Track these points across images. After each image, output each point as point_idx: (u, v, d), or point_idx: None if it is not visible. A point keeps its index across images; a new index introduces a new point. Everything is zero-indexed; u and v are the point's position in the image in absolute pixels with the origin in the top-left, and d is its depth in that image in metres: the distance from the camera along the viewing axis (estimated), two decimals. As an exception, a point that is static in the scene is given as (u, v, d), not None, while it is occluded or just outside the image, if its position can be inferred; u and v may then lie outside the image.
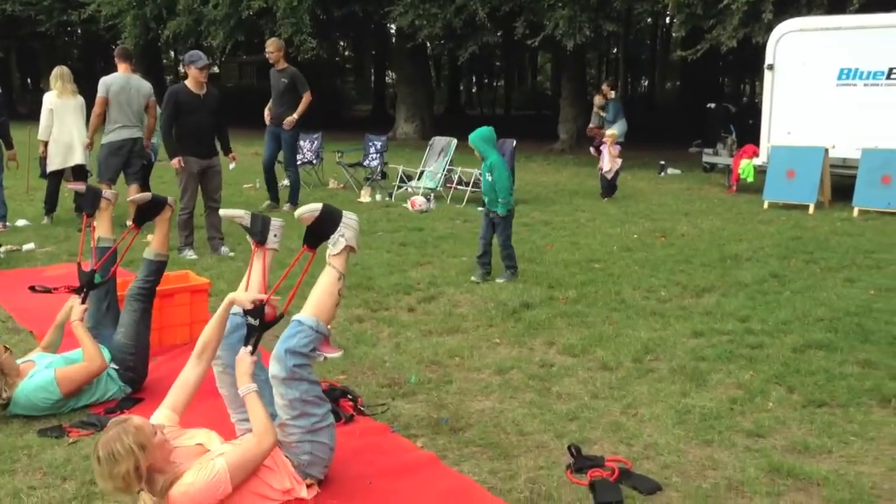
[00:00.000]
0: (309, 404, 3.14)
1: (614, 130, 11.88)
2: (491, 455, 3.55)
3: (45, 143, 8.96)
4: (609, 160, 11.19)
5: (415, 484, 3.29)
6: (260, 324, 3.25)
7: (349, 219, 3.39)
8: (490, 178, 6.70)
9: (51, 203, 9.28)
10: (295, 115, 9.75)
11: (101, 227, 4.77)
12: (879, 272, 6.80)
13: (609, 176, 11.27)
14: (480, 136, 6.75)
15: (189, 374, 3.23)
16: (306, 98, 9.85)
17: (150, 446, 2.77)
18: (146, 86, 8.69)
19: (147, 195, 4.70)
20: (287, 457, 3.13)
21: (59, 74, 8.98)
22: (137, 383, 4.32)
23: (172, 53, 47.10)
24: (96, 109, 8.37)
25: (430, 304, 6.00)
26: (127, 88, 8.42)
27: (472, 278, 6.60)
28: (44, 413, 3.94)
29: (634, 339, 5.10)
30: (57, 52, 32.86)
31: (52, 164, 8.98)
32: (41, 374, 3.95)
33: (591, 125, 15.17)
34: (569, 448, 3.50)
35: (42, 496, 3.19)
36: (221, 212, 3.75)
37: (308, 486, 3.17)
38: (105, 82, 8.40)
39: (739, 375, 4.45)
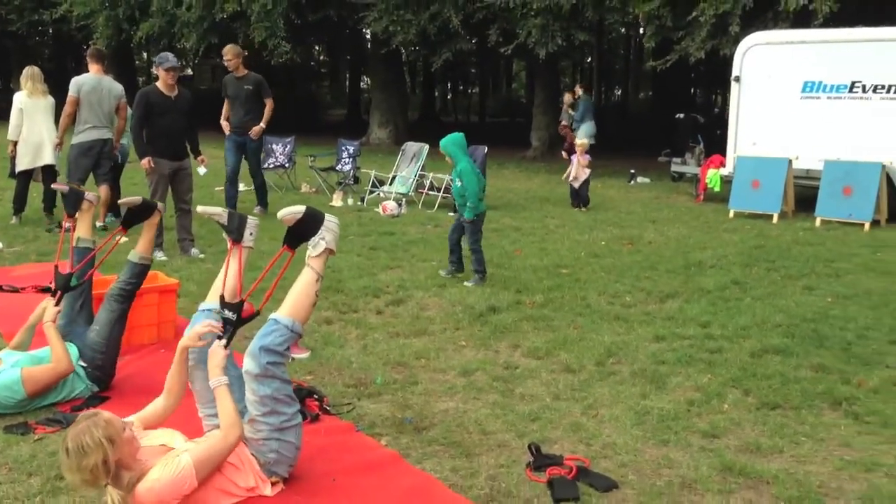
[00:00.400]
0: (279, 402, 3.19)
1: (584, 140, 11.96)
2: (453, 454, 3.63)
3: (15, 143, 8.91)
4: (577, 168, 11.28)
5: (378, 481, 3.35)
6: (237, 319, 3.31)
7: (330, 222, 3.45)
8: (460, 184, 6.79)
9: (19, 203, 9.23)
10: (262, 124, 9.52)
11: (82, 229, 4.79)
12: (837, 280, 6.98)
13: (576, 185, 11.31)
14: (452, 141, 6.87)
15: (160, 403, 3.33)
16: (270, 104, 9.60)
17: (118, 441, 2.81)
18: (117, 87, 8.68)
19: (137, 199, 4.71)
20: (253, 455, 3.19)
21: (30, 74, 8.94)
22: (104, 382, 4.33)
23: (145, 55, 46.77)
24: (67, 109, 8.35)
25: (398, 307, 6.07)
26: (98, 89, 8.41)
27: (441, 272, 6.71)
28: (8, 411, 3.95)
29: (598, 342, 5.20)
30: (28, 51, 32.50)
31: (21, 164, 8.93)
32: (7, 373, 3.95)
33: (562, 122, 15.64)
34: (529, 447, 3.58)
35: (7, 491, 3.21)
36: (199, 208, 3.79)
37: (273, 484, 3.23)
38: (77, 82, 8.39)
39: (698, 379, 4.57)
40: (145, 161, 7.42)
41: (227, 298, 3.41)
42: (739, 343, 5.20)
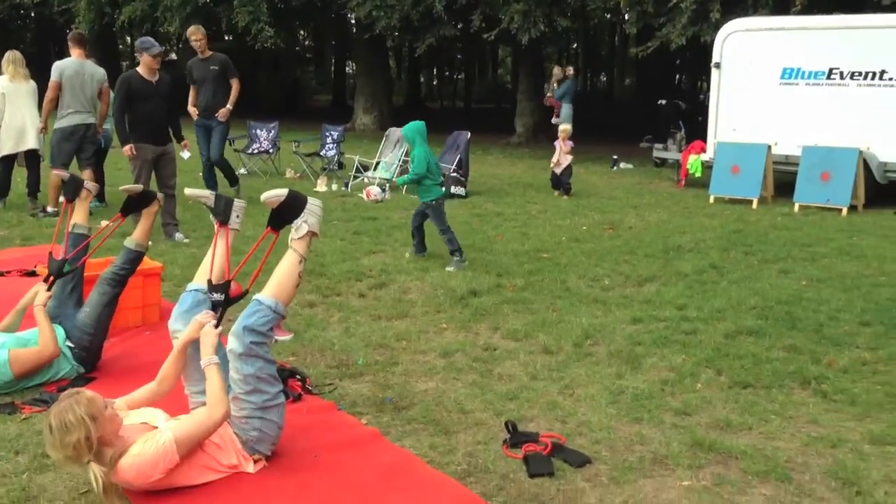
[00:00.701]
0: (263, 381, 3.26)
1: (568, 126, 11.97)
2: (432, 431, 3.72)
3: None
4: (559, 154, 11.33)
5: (358, 458, 3.44)
6: (225, 299, 3.41)
7: (313, 205, 3.51)
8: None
9: (3, 188, 9.22)
10: (229, 105, 9.25)
11: (78, 215, 4.85)
12: (813, 264, 7.11)
13: (558, 171, 11.36)
14: (416, 129, 7.12)
15: (150, 388, 3.39)
16: (236, 85, 9.35)
17: (100, 418, 2.89)
18: (100, 72, 8.68)
19: (139, 186, 4.76)
20: (236, 433, 3.26)
21: (12, 59, 8.92)
22: (90, 363, 4.39)
23: (128, 39, 46.38)
24: (49, 94, 8.36)
25: (380, 290, 6.15)
26: (81, 73, 8.41)
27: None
28: None
29: (576, 324, 5.30)
30: (9, 36, 32.23)
31: (4, 149, 8.92)
32: (-6, 355, 4.01)
33: (547, 94, 16.24)
34: (505, 424, 3.68)
35: (-6, 468, 3.29)
36: (187, 191, 3.84)
37: (255, 462, 3.31)
38: (59, 67, 8.39)
39: (672, 359, 4.68)
40: (127, 148, 7.44)
41: (214, 280, 3.48)
42: (714, 325, 5.32)
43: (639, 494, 3.18)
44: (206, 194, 3.79)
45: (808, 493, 3.19)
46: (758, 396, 4.17)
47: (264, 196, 3.46)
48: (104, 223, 5.01)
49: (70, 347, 4.27)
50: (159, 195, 4.85)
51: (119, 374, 4.37)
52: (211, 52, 9.39)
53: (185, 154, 8.29)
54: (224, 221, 3.72)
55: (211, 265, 3.58)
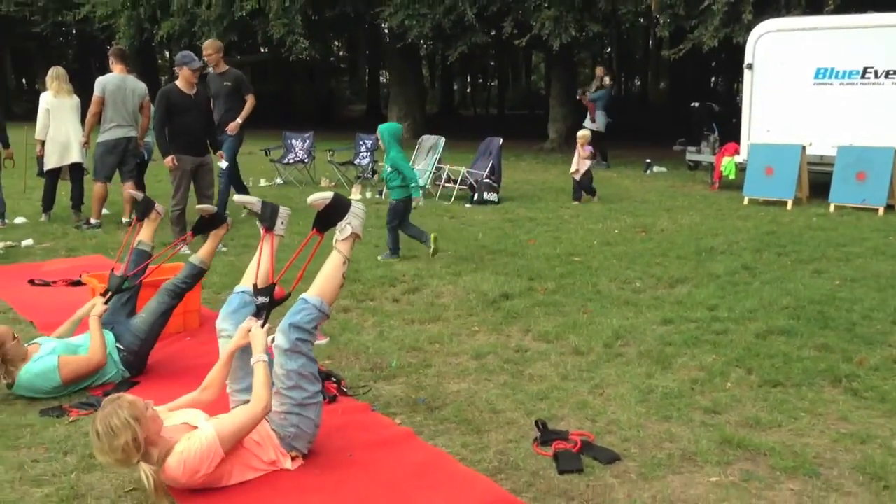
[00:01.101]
0: (304, 378, 3.39)
1: (586, 131, 11.81)
2: (464, 430, 3.81)
3: (42, 143, 9.19)
4: (577, 161, 11.19)
5: (392, 456, 3.54)
6: (269, 302, 3.58)
7: (357, 208, 3.67)
8: (390, 170, 7.50)
9: (48, 201, 9.51)
10: (239, 119, 8.96)
11: (145, 234, 5.10)
12: (847, 264, 7.08)
13: (577, 177, 11.19)
14: (390, 131, 7.50)
15: (193, 396, 3.53)
16: (251, 101, 9.11)
17: (143, 419, 3.02)
18: (141, 86, 8.94)
19: (213, 208, 4.95)
20: (273, 430, 3.38)
21: (56, 75, 9.21)
22: (136, 368, 4.54)
23: (167, 54, 47.26)
24: (92, 109, 8.63)
25: (413, 295, 6.25)
26: (123, 88, 8.67)
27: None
28: (42, 396, 4.17)
29: (607, 326, 5.35)
30: (52, 52, 33.08)
31: (49, 163, 9.21)
32: (45, 360, 4.18)
33: (581, 92, 16.00)
34: (536, 423, 3.76)
35: (45, 468, 3.44)
36: (235, 197, 4.05)
37: (293, 459, 3.42)
38: (101, 82, 8.65)
39: (703, 359, 4.71)
40: (169, 159, 7.64)
41: (259, 284, 3.67)
42: (745, 325, 5.33)
43: (667, 490, 3.23)
44: (254, 201, 4.00)
45: (836, 488, 3.22)
46: (787, 395, 4.19)
47: (311, 198, 3.64)
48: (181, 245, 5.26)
49: (119, 349, 4.43)
50: (229, 220, 5.05)
51: (161, 379, 4.52)
52: (227, 67, 9.31)
53: (223, 164, 8.48)
54: (270, 227, 3.92)
55: (257, 269, 3.76)
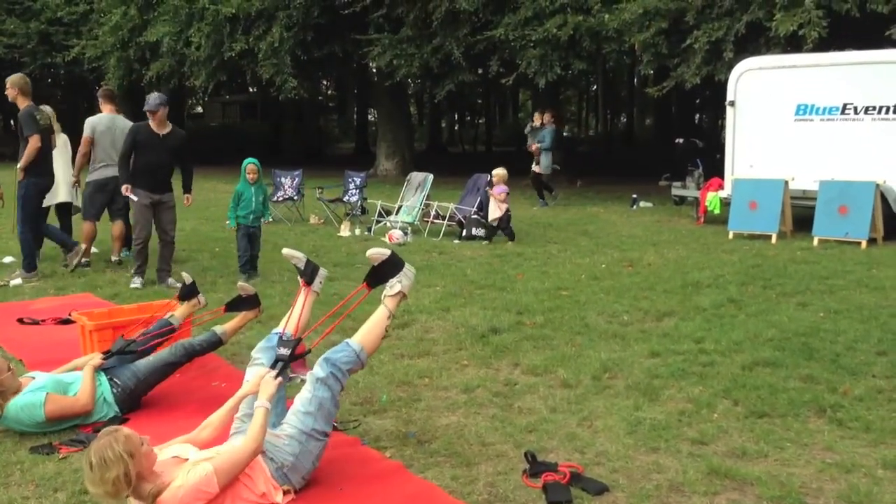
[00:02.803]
0: (322, 411, 3.52)
1: (501, 170, 11.38)
2: (454, 463, 3.83)
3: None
4: (494, 206, 10.95)
5: (382, 489, 3.56)
6: (290, 355, 3.75)
7: (409, 269, 3.92)
8: (262, 199, 8.26)
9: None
10: (20, 164, 8.07)
11: (179, 312, 5.22)
12: (831, 296, 7.17)
13: (495, 224, 10.90)
14: (243, 166, 8.30)
15: (190, 437, 3.57)
16: (32, 142, 8.02)
17: (137, 454, 3.04)
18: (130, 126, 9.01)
19: (252, 289, 5.09)
20: (269, 458, 3.41)
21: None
22: (126, 407, 4.53)
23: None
24: (82, 149, 8.69)
25: (403, 329, 6.29)
26: (112, 128, 8.74)
27: (240, 283, 6.62)
28: (28, 430, 4.18)
29: (595, 359, 5.40)
30: (40, 93, 33.14)
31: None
32: (33, 394, 4.18)
33: (530, 142, 15.68)
34: (525, 455, 3.79)
35: (35, 505, 3.44)
36: (284, 251, 4.41)
37: (284, 493, 3.44)
38: (91, 122, 8.73)
39: (690, 391, 4.76)
40: (125, 188, 7.81)
41: (290, 333, 3.94)
42: (731, 357, 5.39)
43: (655, 520, 3.26)
44: (300, 256, 4.31)
45: (822, 517, 3.26)
46: (773, 425, 4.23)
47: (370, 252, 3.95)
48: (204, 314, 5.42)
49: (115, 384, 4.43)
50: (261, 307, 5.16)
51: (151, 416, 4.51)
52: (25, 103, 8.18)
53: (186, 203, 8.50)
54: (308, 282, 4.27)
55: (289, 317, 4.08)
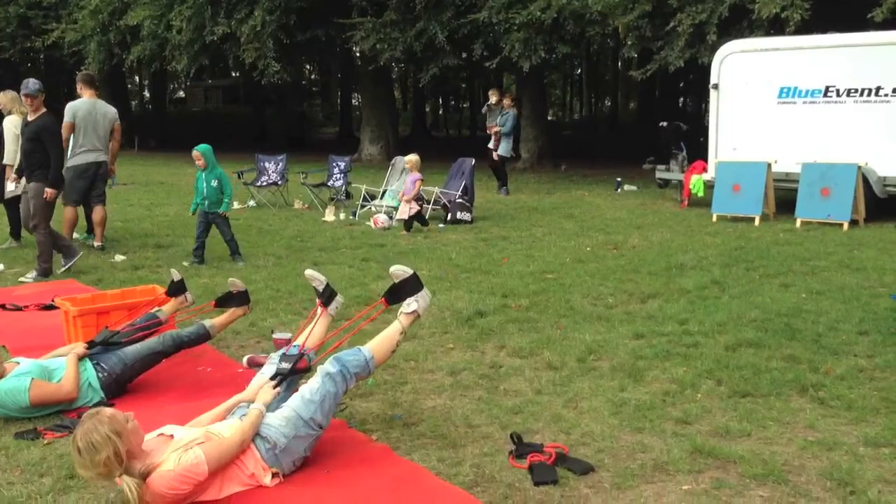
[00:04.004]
0: (323, 405, 3.58)
1: (413, 157, 10.96)
2: (440, 445, 3.85)
3: (11, 167, 9.09)
4: (404, 208, 10.56)
5: (369, 471, 3.57)
6: (290, 370, 3.82)
7: (427, 292, 4.04)
8: (216, 185, 8.13)
9: (16, 227, 9.40)
10: None
11: (167, 307, 5.22)
12: (813, 277, 7.23)
13: (406, 215, 10.47)
14: (210, 150, 8.22)
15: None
16: None
17: (124, 432, 3.05)
18: (112, 110, 8.93)
19: (243, 286, 5.14)
20: (264, 437, 3.42)
21: (16, 97, 9.11)
22: (111, 393, 4.51)
23: (137, 79, 47.17)
24: (63, 134, 8.58)
25: (389, 314, 6.25)
26: (93, 113, 8.66)
27: (184, 263, 6.50)
28: (13, 414, 4.16)
29: (580, 341, 5.43)
30: (19, 78, 32.76)
31: (19, 189, 9.09)
32: (18, 378, 4.16)
33: (490, 123, 14.74)
34: (511, 436, 3.81)
35: (21, 490, 3.42)
36: (307, 272, 4.51)
37: (273, 475, 3.44)
38: (72, 108, 8.63)
39: (674, 371, 4.79)
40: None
41: (310, 347, 4.12)
42: (715, 338, 5.43)
43: (640, 499, 3.29)
44: (321, 279, 4.45)
45: (804, 494, 3.30)
46: (756, 404, 4.28)
47: (393, 268, 4.06)
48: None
49: (102, 368, 4.42)
50: (250, 305, 5.22)
51: (138, 401, 4.50)
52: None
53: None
54: (325, 304, 4.42)
55: (301, 330, 4.35)
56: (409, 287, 3.98)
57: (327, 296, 4.42)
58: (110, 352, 4.55)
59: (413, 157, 10.93)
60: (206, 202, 8.24)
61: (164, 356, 4.70)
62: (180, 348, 4.77)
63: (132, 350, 4.58)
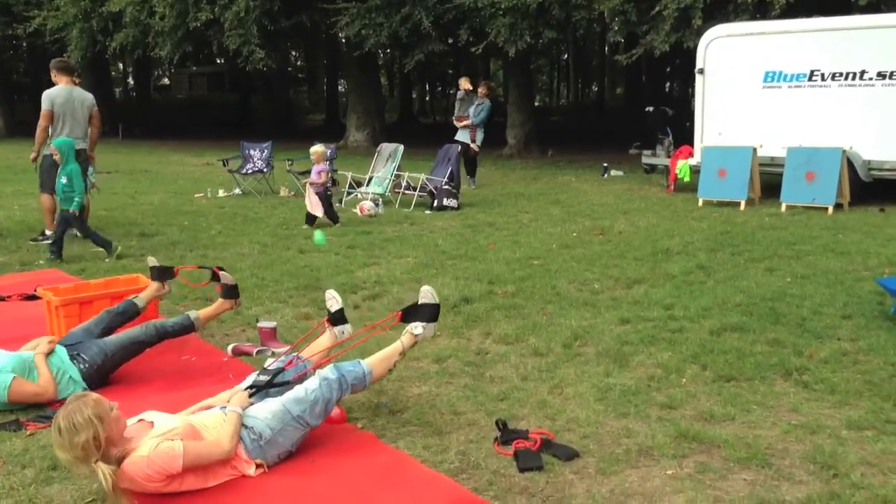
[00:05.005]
0: (315, 407, 3.59)
1: (319, 147, 10.55)
2: (425, 433, 3.84)
3: None
4: (310, 192, 9.91)
5: (354, 460, 3.56)
6: (266, 384, 3.78)
7: (434, 325, 4.12)
8: (65, 181, 7.73)
9: None
10: None
11: (144, 293, 5.13)
12: (798, 262, 7.26)
13: (315, 209, 9.87)
14: (68, 144, 7.85)
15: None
16: None
17: (107, 418, 3.04)
18: (89, 97, 8.81)
19: (233, 280, 5.10)
20: (250, 427, 3.42)
21: None
22: (94, 383, 4.48)
23: (120, 65, 46.74)
24: (42, 123, 8.48)
25: (374, 301, 6.28)
26: (71, 101, 8.54)
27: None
28: None
29: (566, 327, 5.43)
30: (2, 66, 32.46)
31: None
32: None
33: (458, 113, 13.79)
34: (496, 423, 3.81)
35: (3, 481, 3.39)
36: (328, 292, 4.54)
37: (257, 466, 3.43)
38: (49, 95, 8.51)
39: (659, 357, 4.80)
40: None
41: (305, 354, 4.19)
42: (700, 323, 5.45)
43: (625, 484, 3.30)
44: (337, 301, 4.45)
45: (788, 477, 3.31)
46: (741, 388, 4.29)
47: (425, 288, 4.17)
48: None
49: (83, 360, 4.37)
50: (240, 300, 5.18)
51: (120, 391, 4.46)
52: None
53: None
54: (332, 324, 4.42)
55: (296, 343, 4.49)
56: (426, 313, 4.07)
57: (335, 320, 4.43)
58: (91, 341, 4.51)
59: (318, 148, 10.37)
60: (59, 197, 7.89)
61: (146, 346, 4.66)
62: (163, 338, 4.72)
63: (113, 340, 4.54)
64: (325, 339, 4.39)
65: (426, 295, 4.11)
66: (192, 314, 4.83)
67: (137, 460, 3.07)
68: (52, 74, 8.74)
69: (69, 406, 3.02)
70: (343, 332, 4.43)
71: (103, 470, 3.00)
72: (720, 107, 11.59)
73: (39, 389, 4.21)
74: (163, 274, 5.23)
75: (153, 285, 5.19)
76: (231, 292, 5.05)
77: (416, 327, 4.04)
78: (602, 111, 38.94)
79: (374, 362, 3.89)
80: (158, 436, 3.18)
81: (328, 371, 3.71)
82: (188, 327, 4.80)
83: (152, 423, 3.28)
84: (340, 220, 9.90)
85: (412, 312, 4.10)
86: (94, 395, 3.12)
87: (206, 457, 3.23)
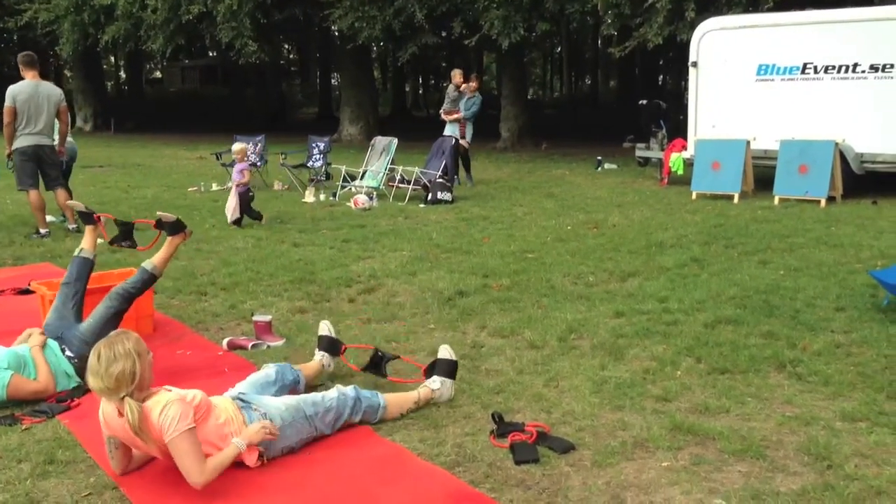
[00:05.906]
0: (328, 414, 3.70)
1: (242, 144, 10.24)
2: (421, 426, 3.85)
3: None
4: (229, 204, 9.41)
5: (351, 453, 3.57)
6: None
7: (453, 387, 4.18)
8: None
9: None
10: None
11: (85, 242, 5.02)
12: (791, 254, 7.29)
13: (234, 215, 9.35)
14: None
15: None
16: None
17: (144, 358, 3.15)
18: (56, 91, 8.73)
19: (172, 216, 4.99)
20: (263, 414, 3.47)
21: None
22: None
23: (112, 59, 46.53)
24: (5, 119, 8.40)
25: (370, 294, 6.28)
26: (35, 96, 8.45)
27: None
28: None
29: (561, 320, 5.44)
30: (-7, 59, 32.30)
31: None
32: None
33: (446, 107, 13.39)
34: (492, 415, 3.82)
35: (-1, 476, 3.40)
36: (322, 323, 4.65)
37: (259, 456, 3.43)
38: (12, 91, 8.41)
39: (654, 349, 4.82)
40: None
41: (309, 380, 4.24)
42: (694, 315, 5.47)
43: (620, 476, 3.31)
44: (324, 329, 4.59)
45: (782, 469, 3.33)
46: (735, 381, 4.31)
47: (444, 346, 4.30)
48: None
49: (70, 357, 4.37)
50: (188, 230, 5.09)
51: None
52: None
53: None
54: (321, 349, 4.54)
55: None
56: (444, 368, 4.15)
57: (324, 348, 4.52)
58: (70, 332, 4.44)
59: (240, 146, 10.04)
60: None
61: (120, 316, 4.56)
62: (131, 300, 4.62)
63: (86, 327, 4.46)
64: (314, 366, 4.44)
65: (444, 352, 4.23)
66: (148, 265, 4.71)
67: (160, 399, 3.18)
68: (21, 69, 8.65)
69: (111, 337, 3.15)
70: (331, 366, 4.53)
71: (130, 404, 3.07)
72: (713, 100, 11.61)
73: (40, 387, 4.21)
74: (85, 217, 5.12)
75: (88, 227, 5.11)
76: (176, 227, 4.92)
77: (434, 381, 4.11)
78: (595, 104, 38.98)
79: (391, 400, 3.94)
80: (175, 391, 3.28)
81: (348, 389, 3.81)
82: (149, 279, 4.70)
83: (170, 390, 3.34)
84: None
85: (437, 367, 4.19)
86: (135, 334, 3.25)
87: (189, 463, 3.16)
